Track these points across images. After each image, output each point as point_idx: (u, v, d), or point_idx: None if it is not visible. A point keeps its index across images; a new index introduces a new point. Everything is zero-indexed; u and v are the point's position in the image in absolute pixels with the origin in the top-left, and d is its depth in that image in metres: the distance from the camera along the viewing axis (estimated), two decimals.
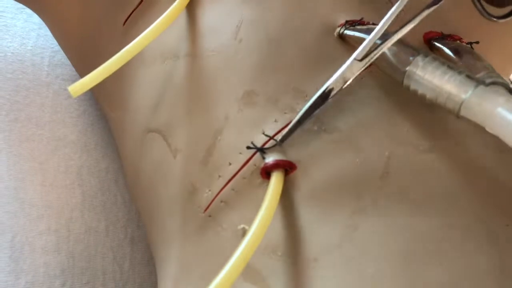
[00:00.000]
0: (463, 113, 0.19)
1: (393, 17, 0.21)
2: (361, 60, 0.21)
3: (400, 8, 0.20)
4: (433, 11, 0.22)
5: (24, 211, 0.31)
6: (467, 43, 0.26)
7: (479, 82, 0.19)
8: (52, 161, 0.34)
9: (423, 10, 0.21)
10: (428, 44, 0.27)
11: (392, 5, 0.29)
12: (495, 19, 0.23)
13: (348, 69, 0.21)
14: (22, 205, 0.31)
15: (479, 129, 0.22)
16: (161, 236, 0.25)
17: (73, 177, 0.34)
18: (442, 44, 0.26)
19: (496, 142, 0.22)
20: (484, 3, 0.22)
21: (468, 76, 0.20)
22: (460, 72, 0.20)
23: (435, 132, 0.22)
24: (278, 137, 0.22)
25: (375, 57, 0.21)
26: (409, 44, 0.22)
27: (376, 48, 0.21)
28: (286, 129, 0.21)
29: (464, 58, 0.24)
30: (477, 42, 0.26)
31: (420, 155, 0.21)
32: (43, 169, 0.33)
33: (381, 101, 0.23)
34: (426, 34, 0.26)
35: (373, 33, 0.21)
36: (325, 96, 0.21)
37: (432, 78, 0.20)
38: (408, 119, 0.22)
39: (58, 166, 0.34)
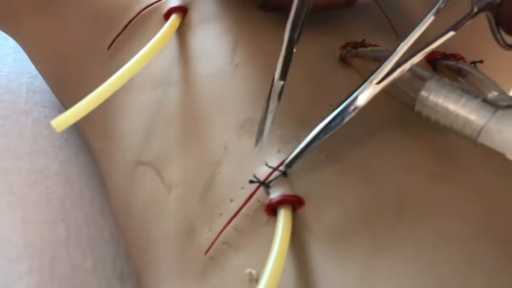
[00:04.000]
0: (481, 140, 0.18)
1: (416, 37, 0.19)
2: (378, 83, 0.19)
3: (423, 30, 0.19)
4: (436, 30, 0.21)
5: (2, 252, 0.29)
6: (471, 63, 0.25)
7: (498, 107, 0.18)
8: (33, 195, 0.32)
9: (446, 32, 0.20)
10: (431, 64, 0.26)
11: (391, 24, 0.28)
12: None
13: (363, 92, 0.19)
14: (0, 245, 0.29)
15: (495, 156, 0.21)
16: (156, 279, 0.23)
17: (55, 211, 0.32)
18: (446, 64, 0.25)
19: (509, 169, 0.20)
20: (503, 34, 0.21)
21: (485, 100, 0.19)
22: (476, 96, 0.19)
23: (449, 159, 0.21)
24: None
25: (393, 78, 0.20)
26: (419, 67, 0.20)
27: (394, 70, 0.19)
28: (293, 154, 0.20)
29: (468, 78, 0.24)
30: (481, 61, 0.25)
31: (435, 185, 0.19)
32: (23, 203, 0.31)
33: (389, 127, 0.21)
34: (429, 54, 0.25)
35: (393, 54, 0.19)
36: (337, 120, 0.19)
37: (447, 104, 0.19)
38: (419, 145, 0.21)
39: (39, 200, 0.32)
